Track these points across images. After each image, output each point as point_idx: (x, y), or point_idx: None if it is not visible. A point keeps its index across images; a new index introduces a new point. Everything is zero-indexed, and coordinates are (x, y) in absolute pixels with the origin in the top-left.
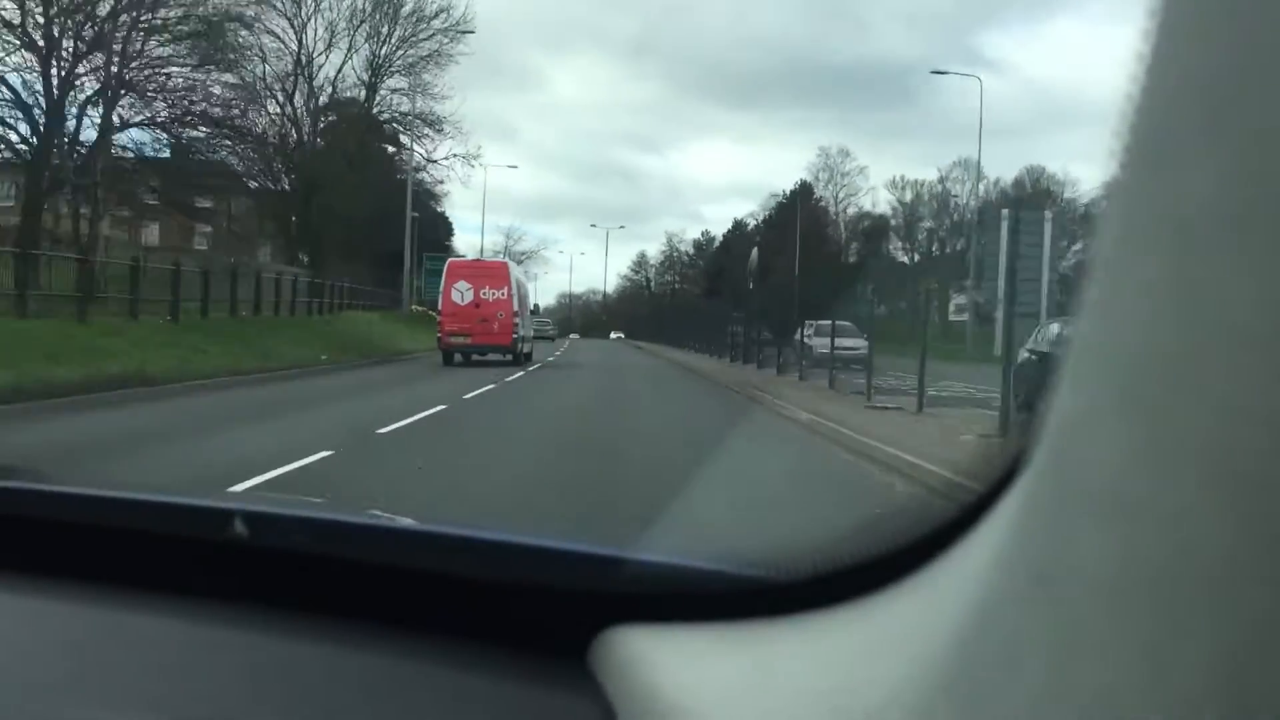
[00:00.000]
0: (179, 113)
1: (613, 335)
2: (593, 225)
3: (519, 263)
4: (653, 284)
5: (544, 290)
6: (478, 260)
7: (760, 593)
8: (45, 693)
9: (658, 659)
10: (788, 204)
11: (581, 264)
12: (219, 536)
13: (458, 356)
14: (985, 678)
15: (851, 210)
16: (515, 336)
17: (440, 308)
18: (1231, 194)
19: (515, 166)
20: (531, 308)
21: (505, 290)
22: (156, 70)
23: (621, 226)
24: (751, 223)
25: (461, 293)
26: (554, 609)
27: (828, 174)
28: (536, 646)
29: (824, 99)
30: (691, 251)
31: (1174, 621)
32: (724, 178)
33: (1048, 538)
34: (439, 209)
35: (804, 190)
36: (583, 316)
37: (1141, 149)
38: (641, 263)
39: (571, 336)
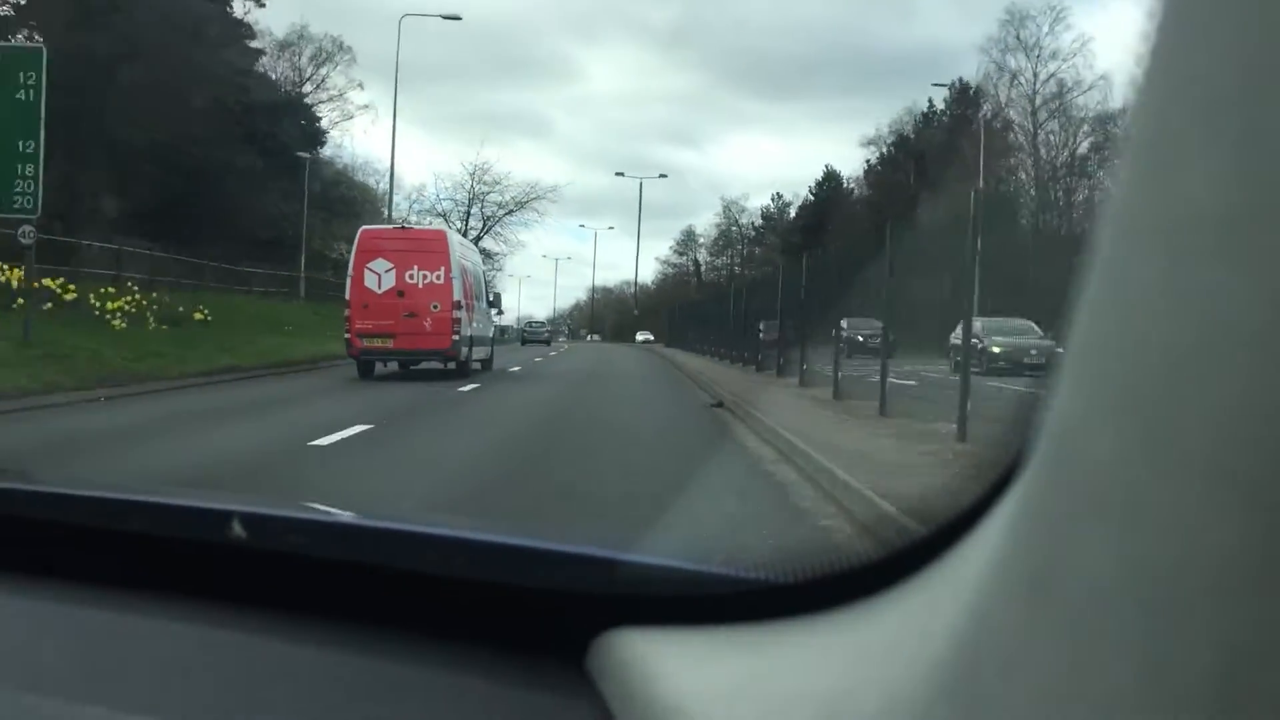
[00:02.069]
0: None
1: (640, 337)
2: (619, 174)
3: (495, 219)
4: (704, 268)
5: (568, 288)
6: (403, 228)
7: (759, 595)
8: (43, 694)
9: (656, 662)
10: (931, 123)
11: (614, 257)
12: (217, 538)
13: (384, 365)
14: (985, 680)
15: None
16: (458, 337)
17: (348, 297)
18: (1231, 193)
19: (458, 18)
20: (491, 297)
21: (443, 271)
22: None
23: (663, 175)
24: (853, 166)
25: (379, 275)
26: (552, 611)
27: (1020, 52)
28: (534, 649)
29: (869, 87)
30: (758, 223)
31: (1174, 623)
32: (765, 173)
33: (1047, 539)
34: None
35: (963, 98)
36: (616, 314)
37: (1141, 148)
38: (688, 241)
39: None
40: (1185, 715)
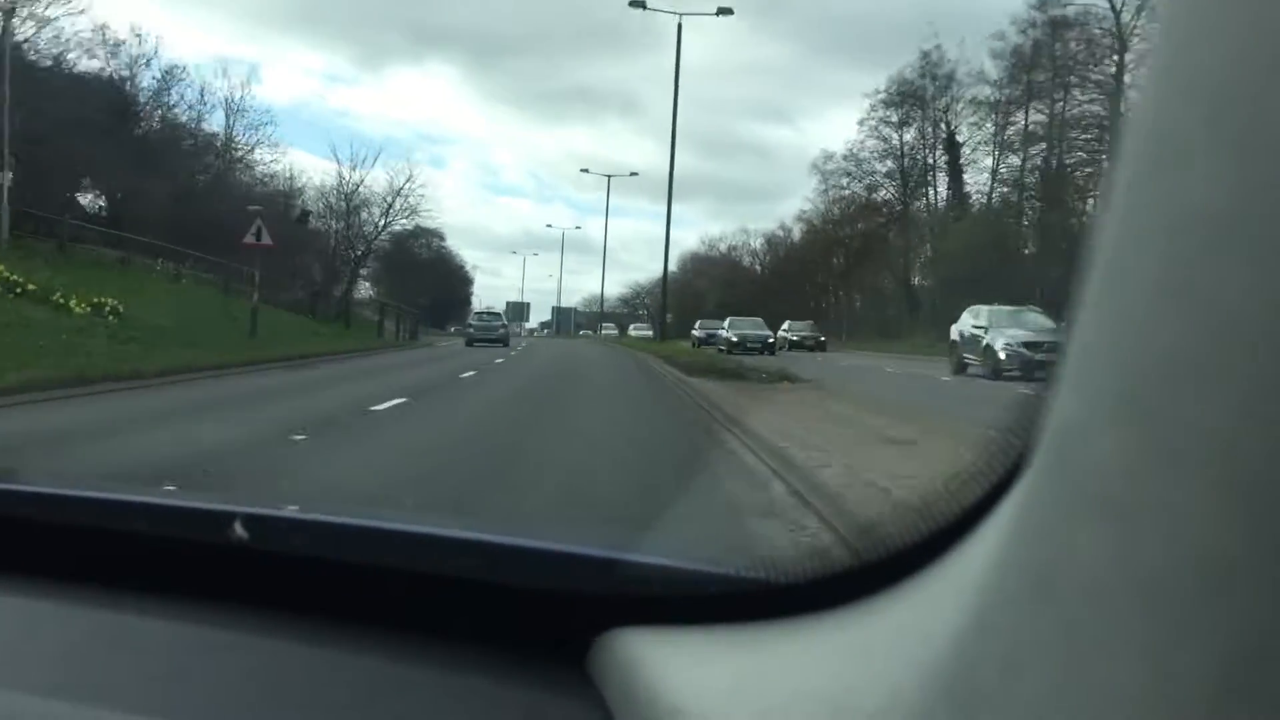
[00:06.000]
0: None
1: (635, 332)
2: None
3: None
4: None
5: (620, 264)
6: None
7: (760, 595)
8: (42, 695)
9: (657, 661)
10: None
11: (666, 234)
12: (219, 539)
13: None
14: (985, 681)
15: None
16: None
17: None
18: (1232, 194)
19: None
20: None
21: None
22: None
23: (634, 174)
24: None
25: None
26: (553, 611)
27: None
28: (535, 649)
29: (980, 54)
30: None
31: (1175, 625)
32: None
33: (1048, 540)
34: None
35: None
36: (722, 287)
37: (1142, 148)
38: (907, 97)
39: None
40: (1185, 715)
